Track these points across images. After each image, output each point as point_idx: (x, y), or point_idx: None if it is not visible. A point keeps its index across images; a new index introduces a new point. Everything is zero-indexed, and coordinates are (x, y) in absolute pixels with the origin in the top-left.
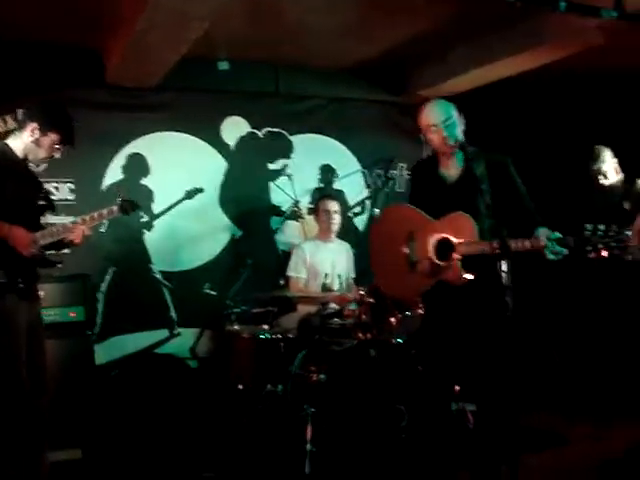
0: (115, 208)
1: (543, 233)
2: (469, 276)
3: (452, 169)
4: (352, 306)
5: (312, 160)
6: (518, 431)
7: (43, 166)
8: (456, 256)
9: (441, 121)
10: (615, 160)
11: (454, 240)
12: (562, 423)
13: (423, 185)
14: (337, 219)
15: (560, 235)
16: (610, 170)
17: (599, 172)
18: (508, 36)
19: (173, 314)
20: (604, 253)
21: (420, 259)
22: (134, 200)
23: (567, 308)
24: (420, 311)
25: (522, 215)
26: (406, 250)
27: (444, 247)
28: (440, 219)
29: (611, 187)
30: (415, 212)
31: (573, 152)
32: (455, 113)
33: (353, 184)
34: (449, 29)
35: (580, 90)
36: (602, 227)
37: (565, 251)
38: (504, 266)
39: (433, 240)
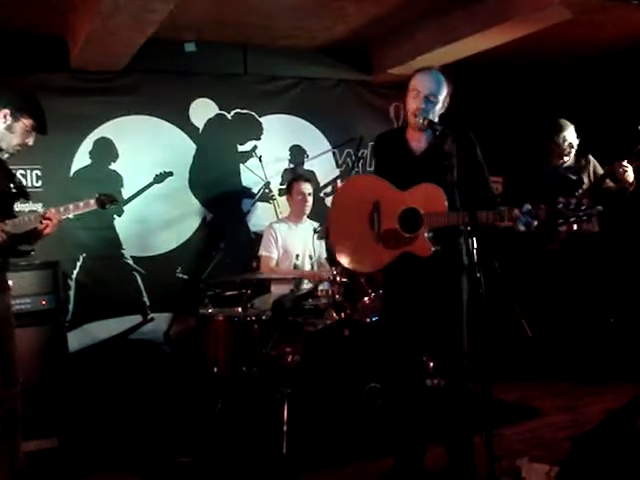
0: (92, 201)
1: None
2: (435, 248)
3: (420, 142)
4: (325, 286)
5: (282, 141)
6: (491, 404)
7: (7, 154)
8: (424, 228)
9: (425, 93)
10: (575, 137)
11: (422, 211)
12: (536, 395)
13: (389, 156)
14: (310, 201)
15: (530, 207)
16: (575, 143)
17: (564, 140)
18: (474, 13)
19: (146, 299)
20: (575, 227)
21: (385, 229)
22: (112, 194)
23: (539, 281)
24: None
25: (479, 186)
26: (370, 220)
27: (411, 218)
28: (409, 189)
29: (566, 165)
30: (381, 182)
31: (534, 130)
32: (444, 93)
33: (324, 164)
34: (416, 7)
35: (540, 69)
36: (574, 201)
37: (536, 222)
38: (474, 242)
39: (399, 210)
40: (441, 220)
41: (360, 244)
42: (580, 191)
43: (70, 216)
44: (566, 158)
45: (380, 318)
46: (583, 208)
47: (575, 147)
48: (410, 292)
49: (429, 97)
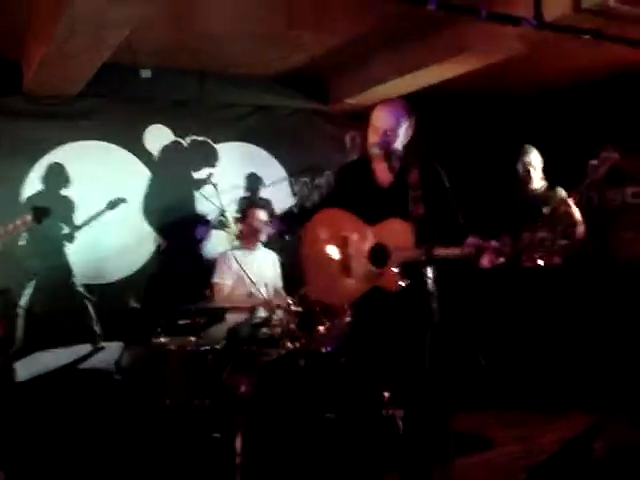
0: (28, 218)
1: (473, 242)
2: (404, 282)
3: (387, 175)
4: (280, 315)
5: (238, 168)
6: (448, 435)
7: None
8: (393, 263)
9: (383, 128)
10: (541, 161)
11: (390, 246)
12: (490, 425)
13: (355, 189)
14: (265, 228)
15: (497, 244)
16: (539, 167)
17: (529, 164)
18: (430, 45)
19: (97, 328)
20: (540, 262)
21: (355, 265)
22: (45, 206)
23: (494, 310)
24: (348, 319)
25: (451, 222)
26: (340, 255)
27: (380, 253)
28: (376, 224)
29: (534, 194)
30: (349, 216)
31: (497, 159)
32: (403, 126)
33: (280, 192)
34: (372, 37)
35: (499, 100)
36: (538, 236)
37: (501, 259)
38: (429, 272)
39: (368, 245)
40: (409, 255)
41: (331, 279)
42: (540, 221)
43: (18, 240)
44: (534, 184)
45: (345, 349)
46: (547, 244)
47: (540, 170)
48: (380, 324)
49: (387, 131)
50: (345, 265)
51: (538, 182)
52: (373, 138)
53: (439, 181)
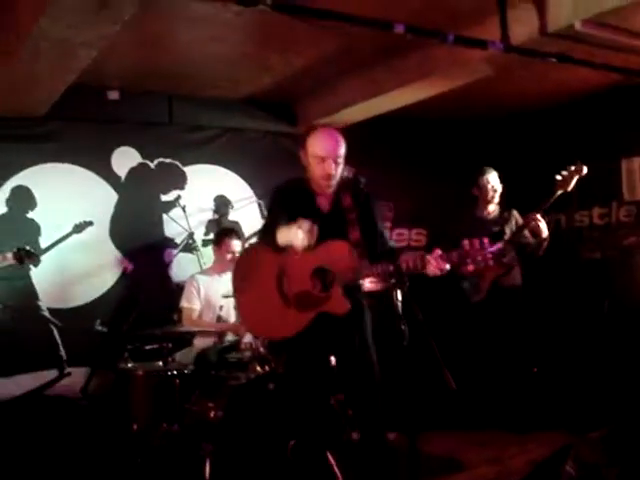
0: (9, 255)
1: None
2: (349, 304)
3: (328, 199)
4: (249, 339)
5: (206, 191)
6: (416, 458)
7: None
8: (338, 286)
9: (332, 158)
10: (499, 183)
11: (333, 269)
12: (461, 446)
13: (295, 212)
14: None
15: (442, 252)
16: (499, 189)
17: (488, 182)
18: (397, 68)
19: (62, 353)
20: (482, 265)
21: (297, 292)
22: (31, 250)
23: (464, 331)
24: None
25: (377, 240)
26: (277, 286)
27: (322, 277)
28: (315, 249)
29: (490, 218)
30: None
31: (457, 182)
32: (344, 149)
33: (249, 215)
34: (340, 60)
35: (468, 123)
36: (477, 242)
37: (448, 266)
38: (399, 295)
39: (310, 271)
40: (353, 276)
41: (271, 312)
42: (501, 243)
43: None
44: (491, 206)
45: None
46: (486, 247)
47: (499, 192)
48: (330, 350)
49: (336, 160)
50: (285, 295)
51: (495, 204)
52: (323, 170)
53: (367, 205)
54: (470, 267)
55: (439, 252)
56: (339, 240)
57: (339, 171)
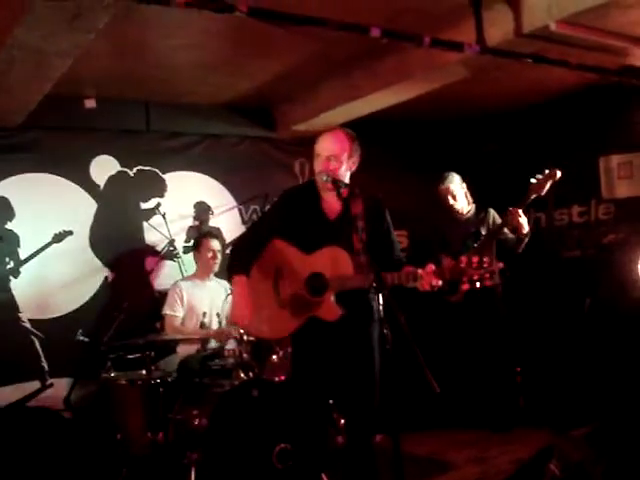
0: None
1: (410, 269)
2: (341, 311)
3: (335, 206)
4: (232, 345)
5: (186, 198)
6: (401, 460)
7: None
8: (331, 292)
9: (326, 155)
10: (464, 186)
11: (327, 275)
12: (446, 446)
13: (300, 217)
14: (219, 258)
15: (434, 268)
16: (459, 193)
17: (447, 191)
18: (375, 71)
19: (44, 364)
20: (477, 284)
21: (291, 295)
22: None
23: (444, 332)
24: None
25: (386, 250)
26: (273, 287)
27: (316, 282)
28: (312, 253)
29: (466, 218)
30: (284, 246)
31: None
32: (346, 153)
33: (229, 220)
34: (319, 64)
35: (445, 124)
36: (476, 259)
37: (440, 283)
38: (380, 299)
39: (304, 276)
40: (347, 283)
41: (265, 312)
42: (477, 243)
43: None
44: (461, 208)
45: (290, 382)
46: (485, 266)
47: (460, 195)
48: (320, 356)
49: (330, 158)
50: (280, 296)
51: (465, 206)
52: (318, 166)
53: (382, 216)
54: (465, 286)
55: (433, 267)
56: (337, 247)
57: (332, 169)
